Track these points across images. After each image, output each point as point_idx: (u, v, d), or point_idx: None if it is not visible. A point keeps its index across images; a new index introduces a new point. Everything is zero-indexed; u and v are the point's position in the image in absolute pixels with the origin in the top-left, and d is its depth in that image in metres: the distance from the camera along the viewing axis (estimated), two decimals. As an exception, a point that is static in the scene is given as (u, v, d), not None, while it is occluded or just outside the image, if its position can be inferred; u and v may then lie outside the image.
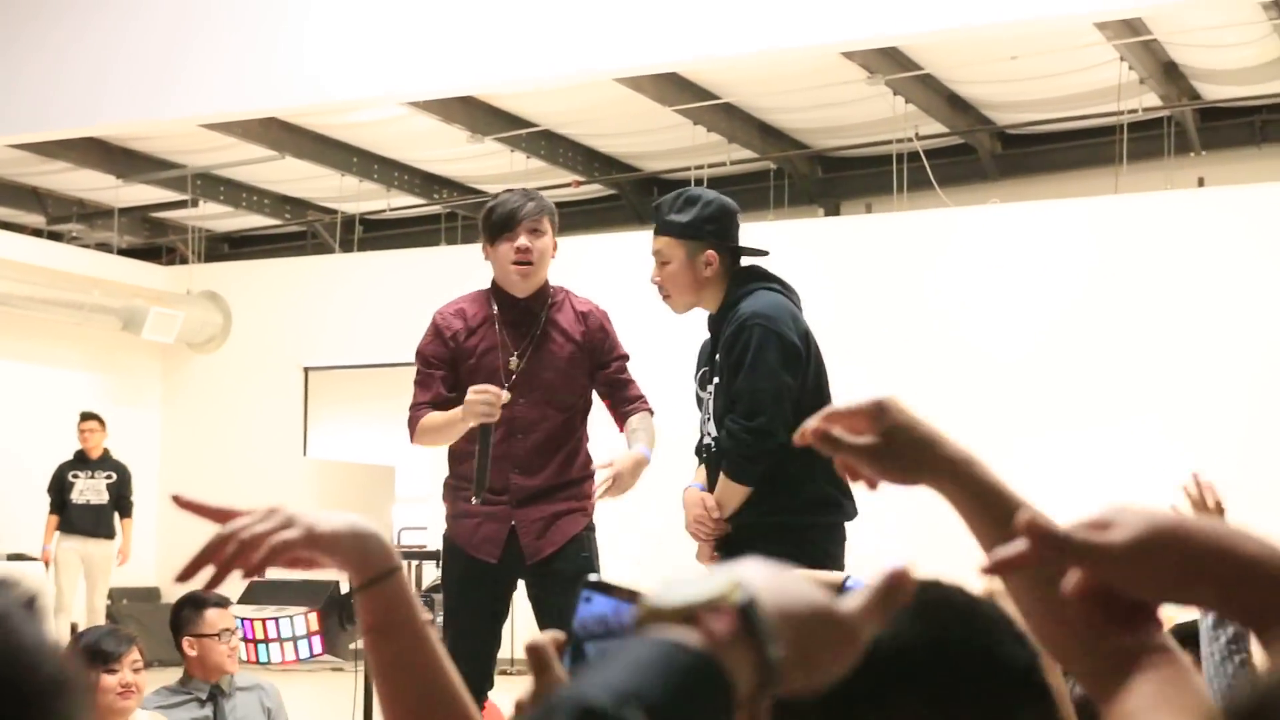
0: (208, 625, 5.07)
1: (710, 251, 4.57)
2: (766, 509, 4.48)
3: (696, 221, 4.58)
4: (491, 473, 4.63)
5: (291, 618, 5.68)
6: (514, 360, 4.81)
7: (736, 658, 0.93)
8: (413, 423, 4.79)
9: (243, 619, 5.94)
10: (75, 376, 14.32)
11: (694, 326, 4.91)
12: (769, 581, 0.97)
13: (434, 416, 4.75)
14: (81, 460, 12.32)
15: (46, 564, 12.16)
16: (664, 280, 4.64)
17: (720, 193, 4.78)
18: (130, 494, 12.43)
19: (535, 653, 1.03)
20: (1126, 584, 1.17)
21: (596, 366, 4.91)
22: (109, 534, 12.26)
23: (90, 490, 12.23)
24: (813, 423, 1.46)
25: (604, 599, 1.00)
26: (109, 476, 12.31)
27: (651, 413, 4.92)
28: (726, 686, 0.91)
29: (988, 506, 1.40)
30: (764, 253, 4.70)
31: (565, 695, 0.87)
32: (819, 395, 4.56)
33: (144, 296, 14.21)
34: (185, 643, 5.10)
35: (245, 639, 5.92)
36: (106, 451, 12.41)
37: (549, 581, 4.74)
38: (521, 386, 4.77)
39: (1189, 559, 1.15)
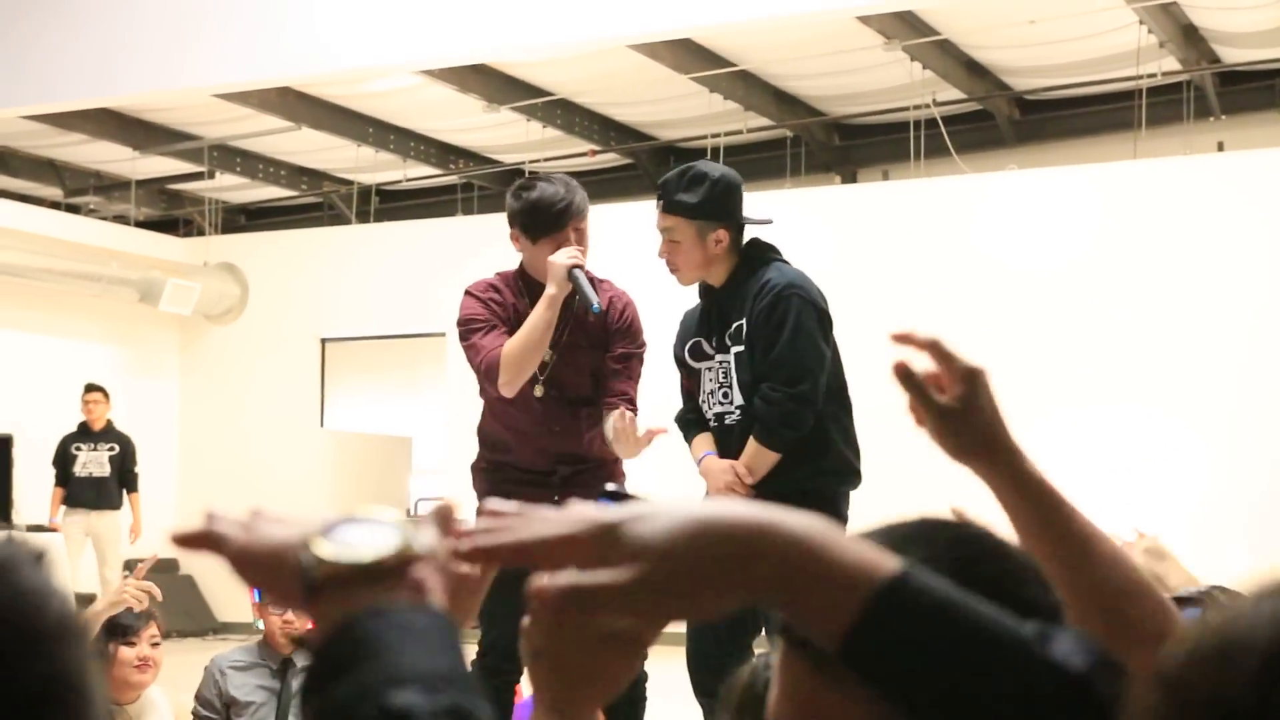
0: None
1: (721, 230, 4.59)
2: (799, 474, 4.50)
3: (706, 202, 4.59)
4: (534, 460, 4.61)
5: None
6: (546, 353, 4.64)
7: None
8: (491, 361, 4.53)
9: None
10: (93, 349, 14.34)
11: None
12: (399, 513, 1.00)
13: (512, 340, 4.53)
14: (84, 432, 12.29)
15: (53, 536, 12.17)
16: (674, 256, 4.64)
17: (728, 163, 4.77)
18: (134, 466, 12.38)
19: (441, 513, 1.07)
20: (646, 614, 0.99)
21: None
22: (113, 506, 12.21)
23: (93, 462, 12.19)
24: (915, 337, 1.52)
25: (616, 507, 1.06)
26: (111, 449, 12.27)
27: (630, 413, 4.54)
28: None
29: (1034, 505, 1.47)
30: (768, 221, 4.71)
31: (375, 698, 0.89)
32: (836, 366, 4.67)
33: (161, 268, 14.22)
34: (256, 608, 5.03)
35: None
36: (110, 423, 12.38)
37: None
38: (552, 379, 4.66)
39: (722, 561, 0.96)
